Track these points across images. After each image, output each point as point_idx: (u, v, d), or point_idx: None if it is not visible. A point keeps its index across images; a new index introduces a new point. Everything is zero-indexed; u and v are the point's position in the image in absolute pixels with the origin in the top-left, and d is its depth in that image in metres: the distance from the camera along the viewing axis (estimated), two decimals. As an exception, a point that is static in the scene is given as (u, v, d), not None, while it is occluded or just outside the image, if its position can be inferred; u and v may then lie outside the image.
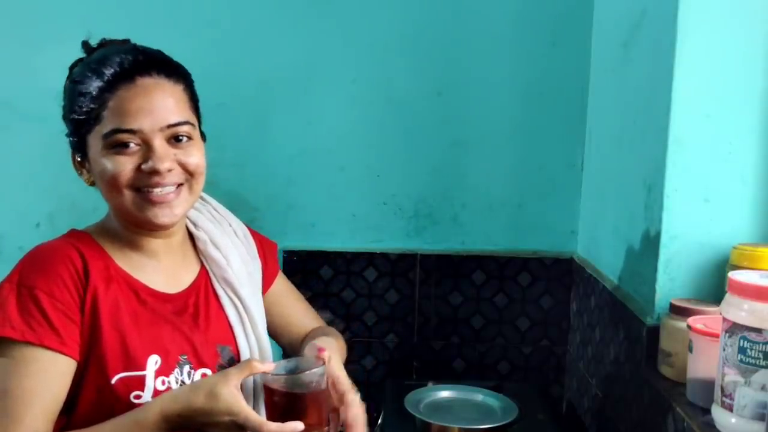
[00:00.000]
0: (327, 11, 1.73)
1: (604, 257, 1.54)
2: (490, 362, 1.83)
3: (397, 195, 1.80)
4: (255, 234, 1.29)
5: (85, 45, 1.10)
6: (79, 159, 1.08)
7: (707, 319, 1.05)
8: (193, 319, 1.12)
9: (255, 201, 1.79)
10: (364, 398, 1.15)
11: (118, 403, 1.01)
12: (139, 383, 1.02)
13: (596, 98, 1.68)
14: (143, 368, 1.03)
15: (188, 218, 1.20)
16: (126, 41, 1.10)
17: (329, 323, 1.71)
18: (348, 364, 1.19)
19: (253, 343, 1.18)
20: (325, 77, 1.75)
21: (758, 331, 0.86)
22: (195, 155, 1.07)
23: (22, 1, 1.74)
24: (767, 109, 1.14)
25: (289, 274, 1.79)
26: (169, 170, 1.04)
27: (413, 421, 1.42)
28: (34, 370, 0.98)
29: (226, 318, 1.16)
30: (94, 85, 1.02)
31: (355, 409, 1.11)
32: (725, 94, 1.14)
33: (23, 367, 0.97)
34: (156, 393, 1.03)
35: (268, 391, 1.05)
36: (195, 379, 1.08)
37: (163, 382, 1.04)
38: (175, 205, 1.06)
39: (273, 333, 1.29)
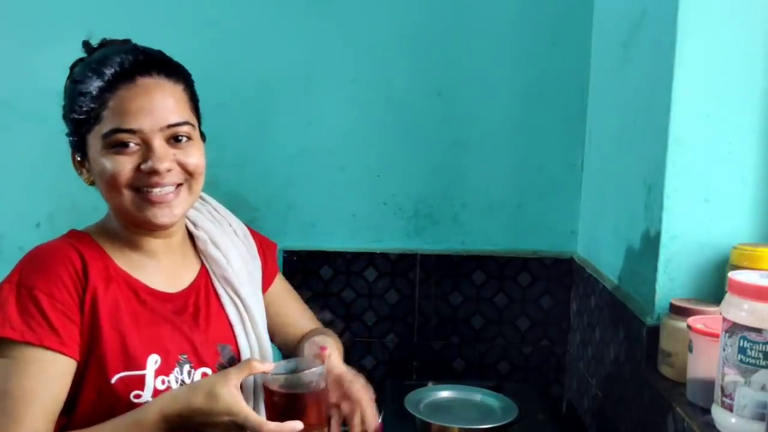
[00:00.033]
0: (327, 11, 1.73)
1: (604, 257, 1.54)
2: (490, 362, 1.83)
3: (397, 195, 1.80)
4: (255, 234, 1.29)
5: (86, 45, 1.10)
6: (78, 158, 1.08)
7: (707, 319, 1.05)
8: (193, 318, 1.12)
9: (255, 201, 1.79)
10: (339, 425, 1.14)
11: (118, 402, 1.01)
12: (139, 383, 1.02)
13: (596, 98, 1.68)
14: (143, 368, 1.03)
15: (188, 218, 1.20)
16: (127, 41, 1.10)
17: (329, 323, 1.72)
18: (347, 365, 1.19)
19: (254, 342, 1.18)
20: (325, 77, 1.75)
21: (758, 331, 0.86)
22: (194, 155, 1.07)
23: (22, 1, 1.74)
24: (767, 109, 1.14)
25: (289, 274, 1.79)
26: (169, 170, 1.04)
27: (413, 421, 1.42)
28: (34, 370, 0.98)
29: (227, 317, 1.16)
30: (95, 85, 1.02)
31: (361, 387, 1.11)
32: (725, 94, 1.14)
33: (23, 368, 0.97)
34: (156, 392, 1.02)
35: (268, 391, 1.05)
36: (195, 379, 1.08)
37: (163, 382, 1.04)
38: (175, 205, 1.06)
39: (269, 332, 1.29)
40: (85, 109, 1.02)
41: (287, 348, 1.30)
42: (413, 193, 1.80)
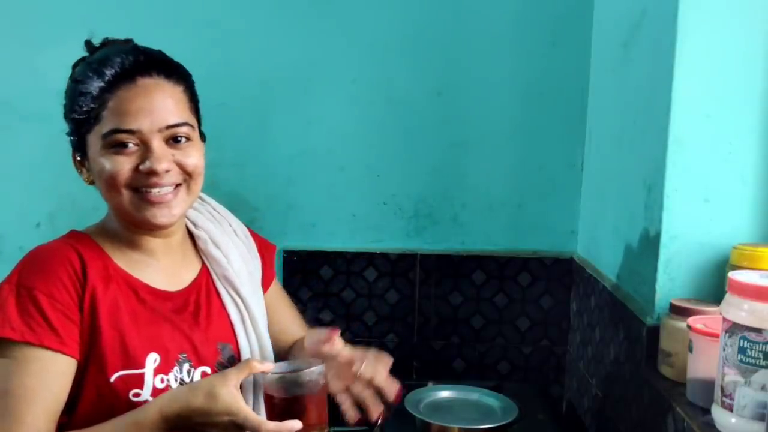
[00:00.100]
0: (327, 11, 1.73)
1: (604, 257, 1.54)
2: (490, 362, 1.83)
3: (397, 195, 1.80)
4: (255, 235, 1.29)
5: (88, 44, 1.10)
6: (79, 158, 1.08)
7: (707, 319, 1.05)
8: (194, 317, 1.12)
9: (255, 201, 1.79)
10: (344, 414, 1.15)
11: (118, 401, 1.01)
12: (138, 381, 1.02)
13: (596, 98, 1.68)
14: (142, 366, 1.03)
15: (188, 218, 1.20)
16: (128, 41, 1.10)
17: (329, 323, 1.72)
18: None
19: (254, 341, 1.18)
20: (326, 77, 1.76)
21: (758, 331, 0.86)
22: (193, 156, 1.07)
23: (22, 1, 1.74)
24: (767, 109, 1.14)
25: (289, 274, 1.80)
26: (167, 171, 1.04)
27: (413, 421, 1.42)
28: (34, 369, 0.98)
29: (227, 316, 1.17)
30: (95, 85, 1.02)
31: (375, 358, 1.13)
32: (725, 94, 1.14)
33: (24, 367, 0.97)
34: (155, 391, 1.03)
35: (267, 391, 1.05)
36: (195, 377, 1.08)
37: (162, 380, 1.04)
38: (174, 205, 1.06)
39: None
40: (85, 109, 1.03)
41: (277, 354, 1.29)
42: (413, 193, 1.80)
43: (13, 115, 1.76)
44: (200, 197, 1.22)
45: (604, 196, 1.57)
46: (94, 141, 1.04)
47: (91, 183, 1.08)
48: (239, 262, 1.21)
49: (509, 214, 1.80)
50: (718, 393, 0.92)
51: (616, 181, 1.48)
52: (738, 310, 0.88)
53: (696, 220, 1.17)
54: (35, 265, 1.02)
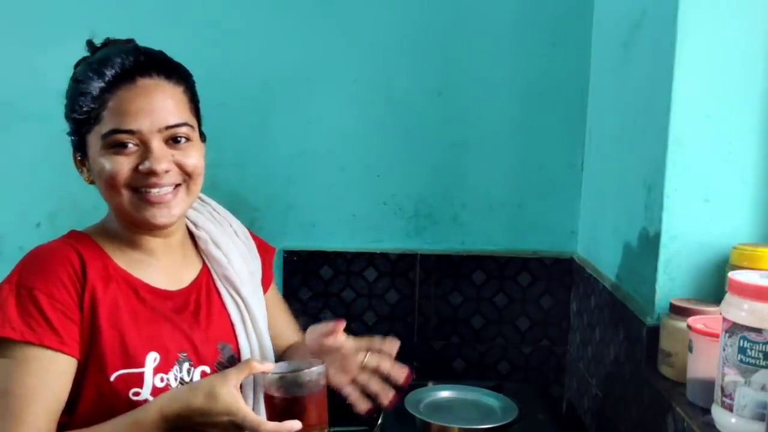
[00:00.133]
0: (328, 12, 1.73)
1: (604, 257, 1.54)
2: (490, 362, 1.83)
3: (397, 195, 1.80)
4: (255, 237, 1.30)
5: (90, 44, 1.10)
6: (79, 158, 1.09)
7: (707, 319, 1.05)
8: (194, 316, 1.12)
9: (255, 201, 1.79)
10: (354, 405, 1.15)
11: (118, 400, 1.01)
12: (138, 380, 1.02)
13: (596, 98, 1.68)
14: (142, 365, 1.03)
15: (188, 218, 1.20)
16: (130, 41, 1.10)
17: (329, 323, 1.71)
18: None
19: (254, 341, 1.18)
20: (326, 77, 1.76)
21: (758, 331, 0.86)
22: (193, 156, 1.07)
23: (23, 1, 1.74)
24: (767, 109, 1.14)
25: (289, 274, 1.80)
26: (167, 171, 1.04)
27: (413, 421, 1.42)
28: (34, 369, 0.98)
29: (228, 316, 1.17)
30: (95, 86, 1.02)
31: (381, 344, 1.15)
32: (725, 94, 1.14)
33: (24, 367, 0.97)
34: (155, 390, 1.03)
35: (267, 391, 1.05)
36: (195, 376, 1.08)
37: (162, 379, 1.04)
38: (173, 205, 1.07)
39: None
40: (85, 109, 1.03)
41: None
42: (413, 193, 1.80)
43: (14, 115, 1.76)
44: (200, 198, 1.23)
45: (604, 196, 1.57)
46: (94, 141, 1.04)
47: (92, 183, 1.08)
48: (240, 262, 1.21)
49: (509, 214, 1.80)
50: (718, 393, 0.92)
51: (616, 181, 1.48)
52: (738, 310, 0.88)
53: (696, 220, 1.17)
54: (35, 265, 1.02)
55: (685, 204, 1.17)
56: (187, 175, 1.07)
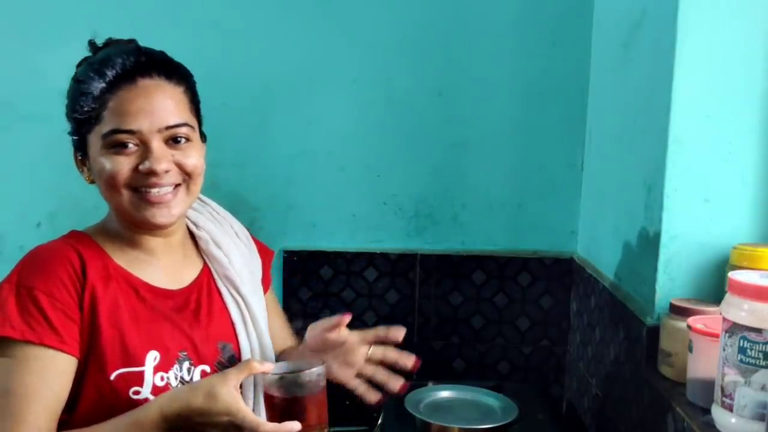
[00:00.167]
0: (328, 12, 1.73)
1: (604, 257, 1.54)
2: (490, 362, 1.83)
3: (397, 195, 1.80)
4: (254, 239, 1.30)
5: (91, 44, 1.10)
6: (80, 157, 1.09)
7: (707, 319, 1.05)
8: (194, 315, 1.13)
9: (255, 201, 1.79)
10: (363, 397, 1.16)
11: (118, 399, 1.01)
12: (138, 379, 1.02)
13: (596, 98, 1.68)
14: (142, 364, 1.03)
15: (189, 219, 1.20)
16: (131, 41, 1.11)
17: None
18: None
19: (254, 340, 1.18)
20: (326, 77, 1.76)
21: (758, 331, 0.86)
22: (193, 156, 1.08)
23: (24, 1, 1.74)
24: (767, 109, 1.14)
25: (289, 274, 1.80)
26: (166, 171, 1.04)
27: (413, 421, 1.42)
28: (35, 368, 0.98)
29: (228, 315, 1.17)
30: (96, 86, 1.03)
31: (386, 332, 1.16)
32: (725, 94, 1.14)
33: (24, 366, 0.98)
34: (155, 389, 1.03)
35: (267, 392, 1.05)
36: (195, 376, 1.08)
37: (162, 378, 1.04)
38: (173, 205, 1.07)
39: None
40: (86, 109, 1.03)
41: None
42: (413, 193, 1.80)
43: (14, 115, 1.76)
44: (201, 199, 1.23)
45: (604, 196, 1.57)
46: (94, 141, 1.04)
47: (93, 182, 1.09)
48: (241, 263, 1.21)
49: (509, 214, 1.80)
50: (718, 393, 0.92)
51: (616, 181, 1.48)
52: (738, 310, 0.88)
53: (696, 220, 1.17)
54: (35, 264, 1.03)
55: (685, 204, 1.17)
56: (187, 175, 1.07)
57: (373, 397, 1.16)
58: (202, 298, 1.15)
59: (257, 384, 1.14)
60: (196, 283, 1.16)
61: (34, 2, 1.73)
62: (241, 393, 1.02)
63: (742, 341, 0.87)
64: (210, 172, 1.12)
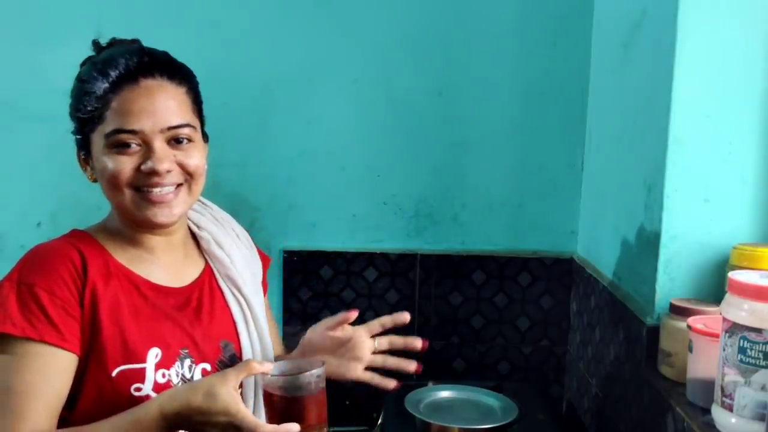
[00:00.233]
0: (329, 12, 1.74)
1: (604, 257, 1.54)
2: (490, 362, 1.83)
3: (397, 195, 1.80)
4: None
5: (95, 44, 1.11)
6: (83, 156, 1.10)
7: (707, 319, 1.05)
8: (196, 313, 1.13)
9: (256, 201, 1.80)
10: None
11: (119, 396, 1.01)
12: (140, 376, 1.03)
13: (596, 98, 1.69)
14: (143, 361, 1.03)
15: (190, 220, 1.20)
16: (135, 41, 1.11)
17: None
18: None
19: (255, 339, 1.18)
20: (327, 78, 1.76)
21: (758, 331, 0.86)
22: (195, 157, 1.08)
23: (25, 1, 1.74)
24: (767, 109, 1.14)
25: (289, 274, 1.80)
26: (168, 171, 1.05)
27: (413, 421, 1.42)
28: (35, 365, 0.98)
29: (230, 314, 1.17)
30: (99, 86, 1.03)
31: (389, 319, 1.18)
32: (725, 94, 1.14)
33: (24, 363, 0.98)
34: (156, 386, 1.03)
35: (267, 392, 1.05)
36: (196, 373, 1.08)
37: (164, 375, 1.05)
38: (174, 205, 1.07)
39: None
40: (89, 108, 1.03)
41: None
42: (413, 193, 1.80)
43: (16, 114, 1.76)
44: (203, 202, 1.24)
45: (604, 196, 1.57)
46: (97, 140, 1.05)
47: (95, 181, 1.10)
48: (242, 263, 1.21)
49: (509, 214, 1.80)
50: (718, 393, 0.92)
51: (616, 181, 1.48)
52: (738, 310, 0.88)
53: (696, 220, 1.17)
54: (36, 262, 1.03)
55: (685, 204, 1.17)
56: (188, 175, 1.08)
57: (390, 384, 1.18)
58: (204, 297, 1.15)
59: (257, 384, 1.14)
60: (197, 282, 1.16)
61: (37, 2, 1.74)
62: (242, 393, 1.03)
63: (742, 341, 0.87)
64: (211, 172, 1.13)
